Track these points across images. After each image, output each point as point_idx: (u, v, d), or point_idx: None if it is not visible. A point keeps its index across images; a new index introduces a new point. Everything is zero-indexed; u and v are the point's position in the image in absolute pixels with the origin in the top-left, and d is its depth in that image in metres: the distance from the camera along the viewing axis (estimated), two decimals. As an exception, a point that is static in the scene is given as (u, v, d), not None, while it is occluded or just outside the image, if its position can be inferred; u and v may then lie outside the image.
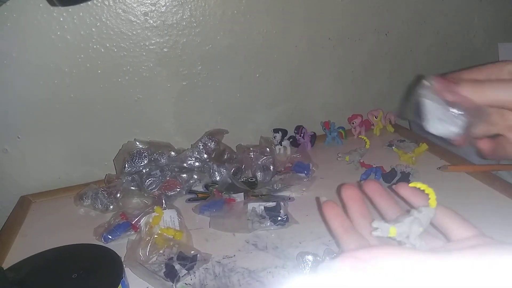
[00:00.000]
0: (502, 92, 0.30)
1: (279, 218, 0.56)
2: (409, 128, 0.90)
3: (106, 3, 0.66)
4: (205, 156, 0.72)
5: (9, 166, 0.71)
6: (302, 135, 0.80)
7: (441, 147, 0.76)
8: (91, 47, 0.68)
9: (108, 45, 0.68)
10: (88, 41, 0.67)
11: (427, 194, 0.28)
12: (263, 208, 0.57)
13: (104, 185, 0.67)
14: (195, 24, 0.72)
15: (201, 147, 0.72)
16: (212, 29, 0.73)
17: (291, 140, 0.80)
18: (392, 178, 0.65)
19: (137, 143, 0.71)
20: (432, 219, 0.28)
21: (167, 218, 0.55)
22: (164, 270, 0.48)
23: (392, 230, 0.26)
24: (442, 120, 0.32)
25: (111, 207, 0.63)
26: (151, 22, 0.69)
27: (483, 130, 0.34)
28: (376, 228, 0.26)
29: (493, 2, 0.92)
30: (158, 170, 0.67)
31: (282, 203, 0.57)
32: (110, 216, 0.59)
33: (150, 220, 0.54)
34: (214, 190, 0.65)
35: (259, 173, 0.69)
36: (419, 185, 0.29)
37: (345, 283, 0.20)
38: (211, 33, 0.73)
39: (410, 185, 0.30)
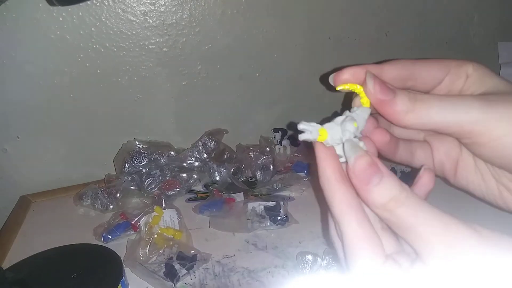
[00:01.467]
0: (449, 112, 0.24)
1: (279, 218, 0.56)
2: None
3: (106, 2, 0.66)
4: (205, 155, 0.72)
5: (9, 166, 0.71)
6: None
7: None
8: (91, 47, 0.68)
9: (107, 44, 0.68)
10: (87, 41, 0.67)
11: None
12: (263, 207, 0.57)
13: (104, 185, 0.67)
14: (194, 24, 0.72)
15: (200, 146, 0.72)
16: (211, 28, 0.73)
17: (291, 139, 0.80)
18: (392, 177, 0.65)
19: (137, 143, 0.71)
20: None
21: (167, 218, 0.55)
22: (163, 270, 0.48)
23: (322, 132, 0.22)
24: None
25: (111, 207, 0.63)
26: (151, 21, 0.69)
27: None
28: (303, 131, 0.22)
29: (493, 1, 0.92)
30: (157, 170, 0.67)
31: (282, 203, 0.57)
32: (110, 216, 0.59)
33: (150, 220, 0.54)
34: (214, 189, 0.65)
35: (259, 173, 0.69)
36: (347, 85, 0.27)
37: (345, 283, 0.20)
38: (210, 33, 0.73)
39: (337, 88, 0.28)
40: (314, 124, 0.22)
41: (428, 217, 0.19)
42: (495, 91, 0.25)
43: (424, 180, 0.25)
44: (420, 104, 0.24)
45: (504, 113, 0.23)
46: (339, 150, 0.23)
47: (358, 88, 0.26)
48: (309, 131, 0.22)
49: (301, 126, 0.22)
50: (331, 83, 0.29)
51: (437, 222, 0.19)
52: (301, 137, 0.22)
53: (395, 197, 0.20)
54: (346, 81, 0.28)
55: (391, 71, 0.28)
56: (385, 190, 0.20)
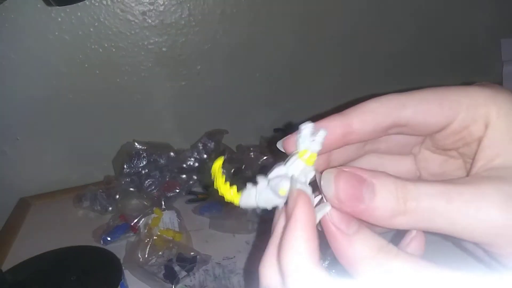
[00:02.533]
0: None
1: (280, 219, 0.55)
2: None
3: (104, 2, 0.66)
4: (205, 156, 0.71)
5: (8, 168, 0.71)
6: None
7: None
8: (89, 47, 0.67)
9: (106, 45, 0.68)
10: (86, 41, 0.67)
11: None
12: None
13: (103, 186, 0.67)
14: (194, 23, 0.71)
15: (200, 147, 0.72)
16: (211, 28, 0.72)
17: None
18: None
19: (136, 144, 0.71)
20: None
21: (167, 220, 0.55)
22: (163, 271, 0.47)
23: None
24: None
25: (110, 208, 0.63)
26: (150, 21, 0.69)
27: None
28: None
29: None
30: (157, 171, 0.67)
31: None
32: (109, 218, 0.59)
33: (149, 222, 0.54)
34: (214, 191, 0.64)
35: (259, 173, 0.68)
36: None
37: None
38: (210, 32, 0.73)
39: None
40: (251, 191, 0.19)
41: (431, 273, 0.15)
42: None
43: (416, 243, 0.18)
44: (413, 204, 0.16)
45: None
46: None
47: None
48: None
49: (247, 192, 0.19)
50: (280, 148, 0.21)
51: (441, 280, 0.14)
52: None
53: (385, 248, 0.16)
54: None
55: (365, 125, 0.19)
56: (371, 239, 0.16)
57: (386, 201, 0.16)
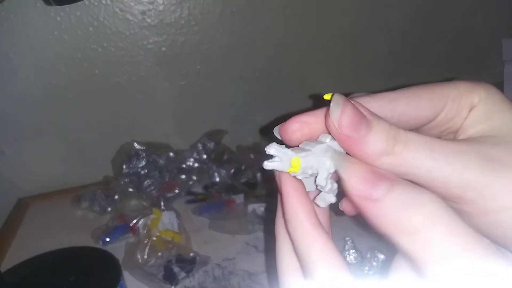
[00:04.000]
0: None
1: (280, 219, 0.55)
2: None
3: (103, 2, 0.65)
4: (205, 156, 0.71)
5: (6, 168, 0.71)
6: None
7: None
8: (88, 47, 0.67)
9: (105, 44, 0.68)
10: (85, 41, 0.67)
11: None
12: (263, 209, 0.57)
13: (102, 187, 0.67)
14: (193, 23, 0.71)
15: (200, 147, 0.72)
16: (211, 27, 0.72)
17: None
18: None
19: (135, 144, 0.70)
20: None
21: (166, 220, 0.54)
22: (162, 272, 0.47)
23: (295, 163, 0.18)
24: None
25: (109, 209, 0.62)
26: (149, 21, 0.69)
27: None
28: (272, 158, 0.17)
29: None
30: (156, 172, 0.67)
31: (282, 204, 0.56)
32: (108, 218, 0.59)
33: (149, 222, 0.53)
34: (214, 191, 0.64)
35: (259, 174, 0.68)
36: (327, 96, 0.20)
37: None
38: (210, 32, 0.72)
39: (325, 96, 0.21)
40: (286, 151, 0.18)
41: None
42: (503, 134, 0.19)
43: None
44: (401, 147, 0.17)
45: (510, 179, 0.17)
46: (308, 185, 0.19)
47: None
48: (279, 158, 0.17)
49: (271, 150, 0.17)
50: (277, 135, 0.21)
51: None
52: (268, 165, 0.17)
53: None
54: (295, 132, 0.20)
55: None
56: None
57: (377, 138, 0.17)
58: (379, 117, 0.18)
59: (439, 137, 0.21)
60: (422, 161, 0.17)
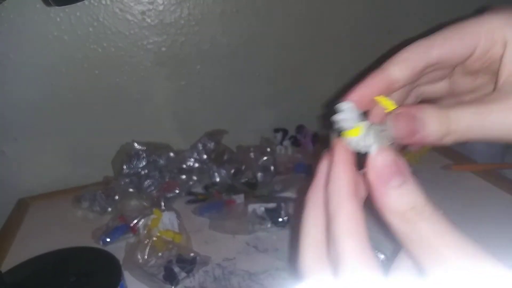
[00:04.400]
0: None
1: (280, 220, 0.55)
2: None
3: (103, 2, 0.65)
4: (205, 157, 0.71)
5: (7, 169, 0.71)
6: (303, 135, 0.79)
7: (445, 146, 0.75)
8: (88, 47, 0.67)
9: (105, 45, 0.68)
10: (85, 41, 0.67)
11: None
12: (263, 209, 0.57)
13: (102, 187, 0.67)
14: (193, 23, 0.71)
15: (200, 147, 0.72)
16: (211, 28, 0.72)
17: (292, 140, 0.80)
18: (395, 177, 0.64)
19: (136, 144, 0.70)
20: None
21: (166, 220, 0.54)
22: (163, 273, 0.47)
23: (357, 129, 0.20)
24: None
25: (109, 209, 0.62)
26: (149, 21, 0.69)
27: None
28: (342, 111, 0.20)
29: (496, 0, 0.91)
30: (156, 172, 0.67)
31: (283, 204, 0.57)
32: (108, 219, 0.59)
33: (149, 222, 0.53)
34: (214, 191, 0.64)
35: (259, 174, 0.68)
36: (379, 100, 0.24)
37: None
38: (210, 32, 0.72)
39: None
40: (356, 114, 0.20)
41: (453, 240, 0.16)
42: None
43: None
44: (454, 126, 0.20)
45: None
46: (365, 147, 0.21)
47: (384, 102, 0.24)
48: (348, 117, 0.20)
49: (345, 105, 0.20)
50: (341, 108, 0.23)
51: (459, 248, 0.16)
52: (338, 116, 0.20)
53: (418, 208, 0.17)
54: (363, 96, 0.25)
55: (404, 73, 0.23)
56: (407, 196, 0.18)
57: (434, 128, 0.21)
58: (426, 109, 0.21)
59: (481, 69, 0.24)
60: (478, 130, 0.21)
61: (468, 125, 0.20)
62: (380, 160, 0.19)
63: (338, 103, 0.21)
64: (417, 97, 0.28)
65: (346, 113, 0.20)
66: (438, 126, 0.20)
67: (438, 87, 0.28)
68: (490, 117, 0.20)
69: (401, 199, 0.18)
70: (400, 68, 0.24)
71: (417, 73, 0.23)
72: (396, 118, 0.21)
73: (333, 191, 0.19)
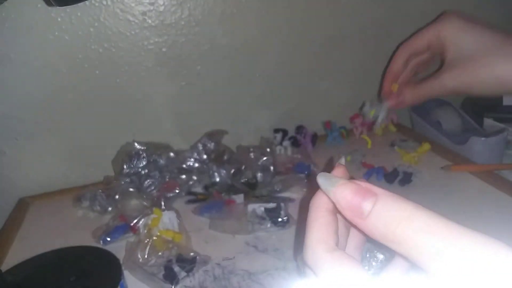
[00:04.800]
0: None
1: (280, 220, 0.55)
2: (412, 128, 0.90)
3: (104, 3, 0.66)
4: (205, 157, 0.71)
5: (7, 168, 0.71)
6: (303, 135, 0.79)
7: (444, 147, 0.76)
8: (89, 47, 0.67)
9: (106, 45, 0.68)
10: (86, 42, 0.67)
11: None
12: (263, 209, 0.57)
13: (103, 186, 0.67)
14: (194, 24, 0.71)
15: (200, 148, 0.72)
16: (211, 28, 0.72)
17: (291, 140, 0.80)
18: (394, 178, 0.64)
19: (136, 144, 0.71)
20: None
21: (166, 220, 0.54)
22: (163, 272, 0.47)
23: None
24: None
25: (110, 209, 0.62)
26: (150, 21, 0.69)
27: None
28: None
29: (494, 1, 0.91)
30: (157, 171, 0.67)
31: (282, 204, 0.57)
32: (109, 218, 0.59)
33: (149, 222, 0.53)
34: (214, 191, 0.64)
35: (259, 174, 0.68)
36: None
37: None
38: (210, 33, 0.73)
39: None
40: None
41: (446, 231, 0.16)
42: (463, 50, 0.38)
43: None
44: (422, 92, 0.43)
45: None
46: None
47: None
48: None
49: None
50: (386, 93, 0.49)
51: (454, 237, 0.16)
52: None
53: (401, 218, 0.17)
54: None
55: (398, 66, 0.45)
56: (384, 215, 0.17)
57: (409, 97, 0.46)
58: (406, 87, 0.47)
59: (438, 53, 0.43)
60: (436, 90, 0.43)
61: (430, 90, 0.41)
62: (346, 192, 0.19)
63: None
64: (410, 70, 0.47)
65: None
66: (411, 95, 0.42)
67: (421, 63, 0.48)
68: (443, 79, 0.39)
69: (380, 220, 0.18)
70: (396, 63, 0.45)
71: (405, 61, 0.45)
72: (389, 98, 0.44)
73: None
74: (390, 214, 0.17)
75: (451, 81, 0.38)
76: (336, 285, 0.18)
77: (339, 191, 0.19)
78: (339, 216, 0.21)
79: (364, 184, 0.19)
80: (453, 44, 0.38)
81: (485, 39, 0.37)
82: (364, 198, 0.18)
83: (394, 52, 0.49)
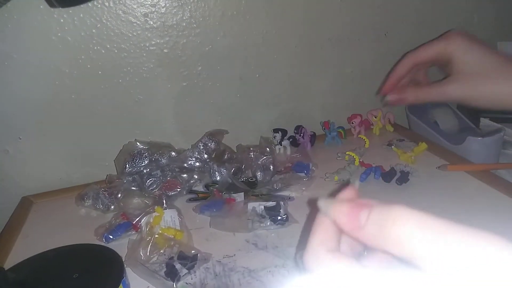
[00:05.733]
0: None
1: (279, 218, 0.56)
2: (409, 128, 0.91)
3: (107, 4, 0.66)
4: (206, 156, 0.72)
5: (10, 167, 0.72)
6: (302, 135, 0.80)
7: (440, 147, 0.76)
8: (92, 48, 0.68)
9: (108, 46, 0.69)
10: (88, 42, 0.67)
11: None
12: (263, 207, 0.57)
13: (105, 185, 0.67)
14: (195, 25, 0.72)
15: (201, 147, 0.72)
16: (212, 30, 0.73)
17: (291, 140, 0.81)
18: (392, 177, 0.65)
19: (138, 144, 0.71)
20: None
21: (168, 218, 0.55)
22: (164, 269, 0.48)
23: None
24: None
25: (112, 207, 0.63)
26: (151, 23, 0.70)
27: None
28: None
29: (493, 1, 0.92)
30: (158, 170, 0.68)
31: (282, 203, 0.57)
32: (111, 216, 0.59)
33: (151, 220, 0.54)
34: (215, 190, 0.65)
35: (259, 173, 0.69)
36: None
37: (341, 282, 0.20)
38: (211, 34, 0.73)
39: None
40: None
41: (437, 228, 0.17)
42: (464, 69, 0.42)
43: None
44: (422, 95, 0.46)
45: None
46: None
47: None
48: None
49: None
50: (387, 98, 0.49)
51: (433, 232, 0.17)
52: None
53: (396, 219, 0.18)
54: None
55: (403, 70, 0.47)
56: (378, 221, 0.18)
57: (411, 97, 0.48)
58: (408, 89, 0.49)
59: (443, 65, 0.46)
60: (438, 96, 0.46)
61: (432, 94, 0.44)
62: (344, 208, 0.20)
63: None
64: (410, 78, 0.50)
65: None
66: (413, 95, 0.45)
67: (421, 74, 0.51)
68: (448, 89, 0.43)
69: (375, 225, 0.18)
70: (401, 69, 0.47)
71: (409, 69, 0.47)
72: (390, 94, 0.48)
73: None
74: (384, 217, 0.18)
75: (454, 91, 0.42)
76: (335, 281, 0.19)
77: (337, 208, 0.20)
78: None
79: (361, 200, 0.20)
80: (459, 60, 0.42)
81: (487, 60, 0.41)
82: (360, 210, 0.19)
83: (395, 58, 0.52)
